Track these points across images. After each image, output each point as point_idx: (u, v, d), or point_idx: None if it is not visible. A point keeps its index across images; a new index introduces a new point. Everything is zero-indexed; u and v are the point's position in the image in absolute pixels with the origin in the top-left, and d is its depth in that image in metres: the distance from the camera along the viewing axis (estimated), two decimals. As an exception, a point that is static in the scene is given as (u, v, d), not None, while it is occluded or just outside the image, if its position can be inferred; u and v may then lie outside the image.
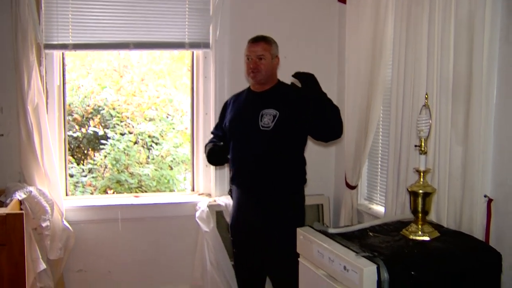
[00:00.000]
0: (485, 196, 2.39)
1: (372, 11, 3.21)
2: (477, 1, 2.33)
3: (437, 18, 2.58)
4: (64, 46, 3.51)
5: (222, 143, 3.06)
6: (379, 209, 3.47)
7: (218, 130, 3.19)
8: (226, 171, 3.80)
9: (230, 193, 3.18)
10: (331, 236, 2.31)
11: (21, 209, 3.05)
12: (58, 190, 3.46)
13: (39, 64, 3.39)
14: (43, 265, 3.12)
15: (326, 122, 2.74)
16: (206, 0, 3.70)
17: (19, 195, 3.09)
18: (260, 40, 2.92)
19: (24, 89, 3.28)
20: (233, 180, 3.05)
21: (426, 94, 2.40)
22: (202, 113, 3.86)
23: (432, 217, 2.61)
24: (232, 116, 3.03)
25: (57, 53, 3.60)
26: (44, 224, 3.21)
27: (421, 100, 2.67)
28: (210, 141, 3.16)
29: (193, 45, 3.72)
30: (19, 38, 3.27)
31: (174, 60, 5.12)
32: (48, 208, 3.25)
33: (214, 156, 3.05)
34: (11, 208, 2.92)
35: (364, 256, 2.04)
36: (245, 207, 2.98)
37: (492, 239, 2.36)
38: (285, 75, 3.05)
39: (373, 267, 1.97)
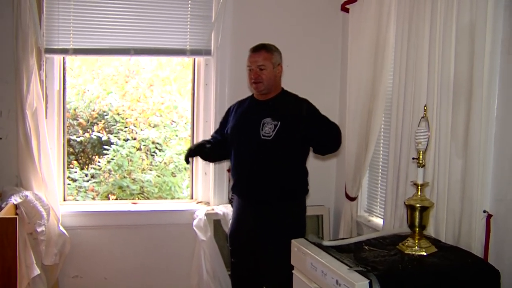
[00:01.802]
0: (485, 211, 2.33)
1: (374, 20, 3.18)
2: (478, 11, 2.29)
3: (438, 29, 2.55)
4: (64, 51, 3.51)
5: (209, 145, 3.05)
6: (379, 221, 3.41)
7: (218, 134, 3.17)
8: (225, 180, 3.78)
9: (231, 201, 3.15)
10: (325, 249, 2.28)
11: (16, 214, 3.03)
12: (55, 195, 3.44)
13: (39, 68, 3.38)
14: (37, 271, 3.09)
15: (326, 143, 2.77)
16: (208, 7, 3.68)
17: (15, 199, 3.06)
18: (260, 49, 2.87)
19: (23, 93, 3.26)
20: (233, 189, 3.03)
21: (425, 106, 2.36)
22: (202, 120, 3.84)
23: (430, 231, 2.56)
24: (233, 124, 3.00)
25: (57, 58, 3.59)
26: (39, 229, 3.18)
27: (421, 111, 2.63)
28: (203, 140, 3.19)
29: (194, 52, 3.70)
30: (20, 41, 3.26)
31: (184, 66, 5.10)
32: (44, 213, 3.22)
33: (190, 153, 3.03)
34: (5, 212, 2.90)
35: (357, 271, 2.00)
36: (245, 216, 2.95)
37: (491, 256, 2.30)
38: (287, 83, 3.03)
39: (366, 282, 1.92)
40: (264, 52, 2.86)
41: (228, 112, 3.14)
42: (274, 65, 2.88)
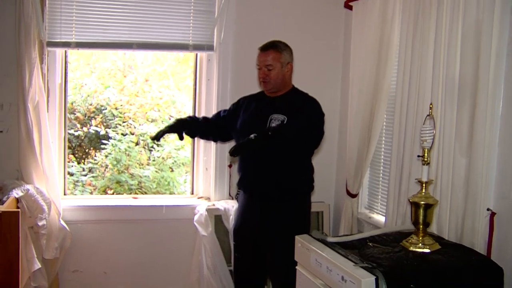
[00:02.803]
0: (488, 209, 2.35)
1: (378, 17, 3.18)
2: (485, 11, 2.30)
3: (444, 27, 2.56)
4: (67, 44, 3.49)
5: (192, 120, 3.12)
6: (380, 218, 3.43)
7: (219, 118, 3.19)
8: (226, 175, 3.78)
9: (237, 196, 3.16)
10: (330, 245, 2.29)
11: (17, 207, 3.01)
12: (56, 189, 3.43)
13: (41, 61, 3.36)
14: (38, 265, 3.08)
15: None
16: (211, 2, 3.68)
17: (16, 193, 3.05)
18: (269, 49, 2.86)
19: (25, 86, 3.25)
20: (239, 184, 3.04)
21: (431, 104, 2.37)
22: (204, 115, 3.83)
23: (433, 228, 2.58)
24: (242, 119, 3.00)
25: (59, 51, 3.57)
26: (40, 223, 3.17)
27: (425, 109, 2.65)
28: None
29: (197, 47, 3.69)
30: (22, 34, 3.24)
31: (179, 61, 5.09)
32: (45, 207, 3.21)
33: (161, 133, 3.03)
34: (7, 206, 2.88)
35: (362, 267, 2.01)
36: (250, 212, 2.97)
37: (494, 253, 2.32)
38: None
39: (372, 278, 1.93)
40: (273, 51, 2.85)
41: (238, 104, 3.13)
42: (283, 64, 2.87)
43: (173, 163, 5.05)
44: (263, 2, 3.79)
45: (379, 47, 3.18)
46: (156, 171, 4.95)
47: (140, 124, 5.05)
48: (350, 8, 3.59)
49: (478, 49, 2.34)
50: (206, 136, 3.25)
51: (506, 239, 2.28)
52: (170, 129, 2.99)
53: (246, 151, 2.65)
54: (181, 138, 3.02)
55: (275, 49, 2.86)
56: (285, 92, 2.93)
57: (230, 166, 3.76)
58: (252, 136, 2.56)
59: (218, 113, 3.24)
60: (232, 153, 2.57)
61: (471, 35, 2.38)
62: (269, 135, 2.59)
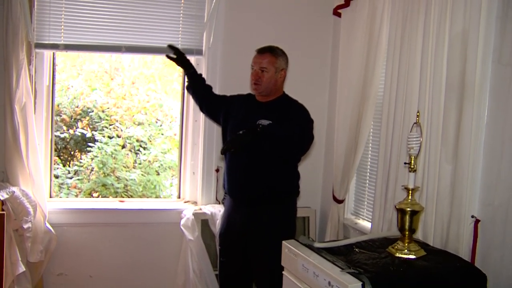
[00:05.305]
0: (473, 216, 2.38)
1: (366, 25, 3.22)
2: (471, 20, 2.34)
3: (431, 35, 2.60)
4: (55, 46, 3.47)
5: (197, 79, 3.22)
6: (366, 224, 3.45)
7: (219, 95, 3.26)
8: (213, 180, 3.78)
9: (224, 201, 3.17)
10: (317, 251, 2.30)
11: (2, 210, 2.99)
12: (42, 192, 3.41)
13: (29, 63, 3.34)
14: (22, 268, 3.06)
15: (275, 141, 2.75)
16: (201, 7, 3.68)
17: (1, 195, 3.03)
18: (266, 52, 2.89)
19: (12, 88, 3.23)
20: (225, 189, 3.05)
21: (418, 111, 2.40)
22: (192, 120, 3.83)
23: (418, 235, 2.61)
24: (232, 124, 3.00)
25: (47, 53, 3.55)
26: (25, 226, 3.15)
27: (412, 116, 2.68)
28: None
29: (186, 51, 3.60)
30: (10, 35, 3.22)
31: (166, 65, 5.08)
32: (31, 210, 3.19)
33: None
34: (-8, 208, 2.87)
35: (349, 273, 2.02)
36: (236, 216, 2.97)
37: (478, 260, 2.35)
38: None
39: (358, 284, 1.95)
40: (269, 55, 2.88)
41: (233, 99, 3.13)
42: (277, 69, 2.88)
43: (159, 166, 5.03)
44: (252, 8, 3.81)
45: (367, 55, 3.21)
46: (143, 175, 4.93)
47: (127, 127, 5.02)
48: (339, 15, 3.62)
49: (464, 58, 2.38)
50: (199, 91, 3.24)
51: (490, 246, 2.31)
52: (182, 56, 3.18)
53: (236, 145, 2.65)
54: (181, 63, 3.19)
55: (272, 53, 2.88)
56: (275, 98, 2.95)
57: (217, 170, 3.77)
58: (240, 132, 2.60)
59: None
60: (224, 151, 2.59)
61: (457, 43, 2.41)
62: (257, 131, 2.61)
